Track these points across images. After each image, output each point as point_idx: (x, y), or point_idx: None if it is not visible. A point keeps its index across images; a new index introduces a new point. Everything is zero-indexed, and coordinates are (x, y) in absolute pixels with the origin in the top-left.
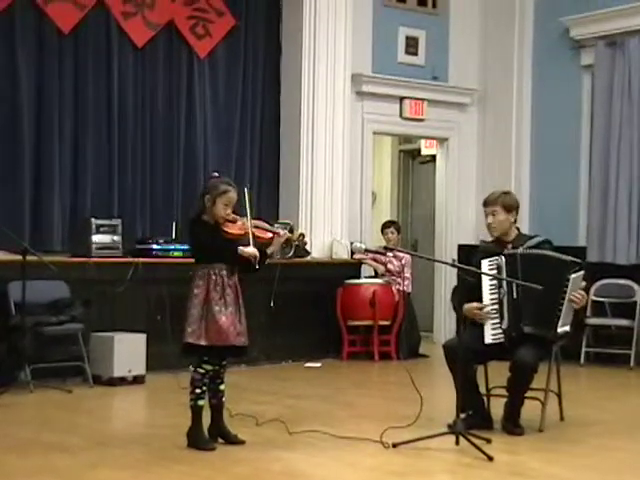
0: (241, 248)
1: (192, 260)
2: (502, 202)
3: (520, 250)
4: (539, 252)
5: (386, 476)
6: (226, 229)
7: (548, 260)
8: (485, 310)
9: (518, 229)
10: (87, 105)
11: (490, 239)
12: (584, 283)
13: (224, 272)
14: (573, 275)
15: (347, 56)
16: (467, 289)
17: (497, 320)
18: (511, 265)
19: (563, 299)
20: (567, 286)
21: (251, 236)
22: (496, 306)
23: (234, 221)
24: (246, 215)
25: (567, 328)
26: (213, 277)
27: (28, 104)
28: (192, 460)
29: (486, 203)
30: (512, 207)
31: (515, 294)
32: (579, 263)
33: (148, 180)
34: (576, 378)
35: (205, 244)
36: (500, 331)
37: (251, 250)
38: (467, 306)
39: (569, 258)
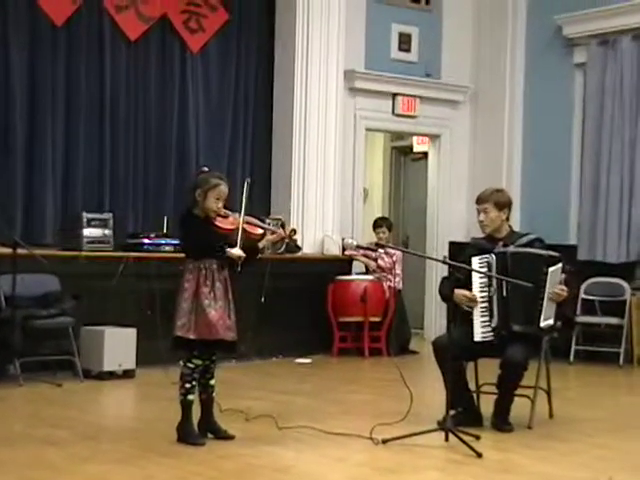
0: (227, 250)
1: (183, 255)
2: (494, 199)
3: (510, 249)
4: (523, 250)
5: (375, 472)
6: (218, 224)
7: (527, 256)
8: (474, 299)
9: (510, 227)
10: (79, 98)
11: (482, 236)
12: (564, 275)
13: (214, 266)
14: (551, 268)
15: (340, 52)
16: (457, 285)
17: (487, 318)
18: (501, 263)
19: (543, 293)
20: (546, 280)
21: (240, 235)
22: (486, 304)
23: (226, 216)
24: (239, 210)
25: (551, 321)
26: (203, 271)
27: (20, 98)
28: (181, 455)
29: (478, 200)
30: (504, 205)
31: (505, 292)
32: (556, 256)
33: (140, 174)
34: (565, 376)
35: (194, 239)
36: (490, 329)
37: (237, 252)
38: (457, 291)
39: (546, 252)
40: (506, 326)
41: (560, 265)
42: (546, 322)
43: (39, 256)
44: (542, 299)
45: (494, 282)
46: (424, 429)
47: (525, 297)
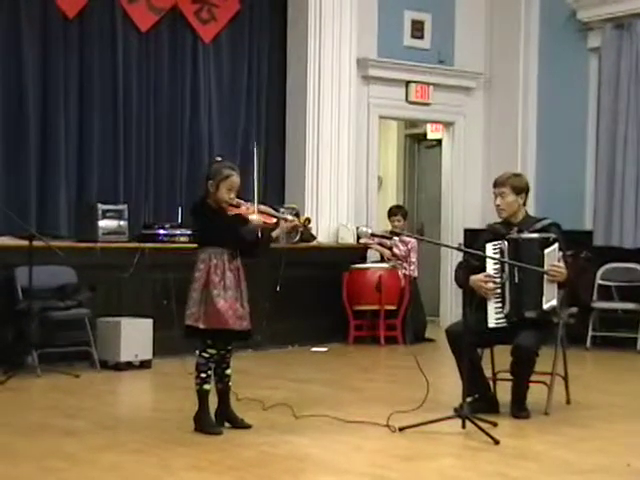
0: (251, 218)
1: (196, 245)
2: (511, 183)
3: (523, 235)
4: (525, 236)
5: (392, 459)
6: (230, 213)
7: (524, 241)
8: (490, 285)
9: (527, 212)
10: (92, 90)
11: (498, 220)
12: (561, 253)
13: (225, 256)
14: (546, 250)
15: (353, 40)
16: (472, 271)
17: (500, 304)
18: (513, 249)
19: (542, 276)
20: (542, 262)
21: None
22: (499, 290)
23: (238, 206)
24: (252, 178)
25: (553, 302)
26: (214, 261)
27: (33, 90)
28: (199, 444)
29: (495, 184)
30: (521, 189)
31: (517, 279)
32: (551, 238)
33: (153, 165)
34: (582, 362)
35: (207, 227)
36: (502, 315)
37: (257, 217)
38: (474, 277)
39: (538, 235)
40: (518, 312)
41: (556, 246)
42: (549, 304)
43: (55, 248)
44: (542, 281)
45: (507, 268)
46: (441, 416)
47: (535, 283)
